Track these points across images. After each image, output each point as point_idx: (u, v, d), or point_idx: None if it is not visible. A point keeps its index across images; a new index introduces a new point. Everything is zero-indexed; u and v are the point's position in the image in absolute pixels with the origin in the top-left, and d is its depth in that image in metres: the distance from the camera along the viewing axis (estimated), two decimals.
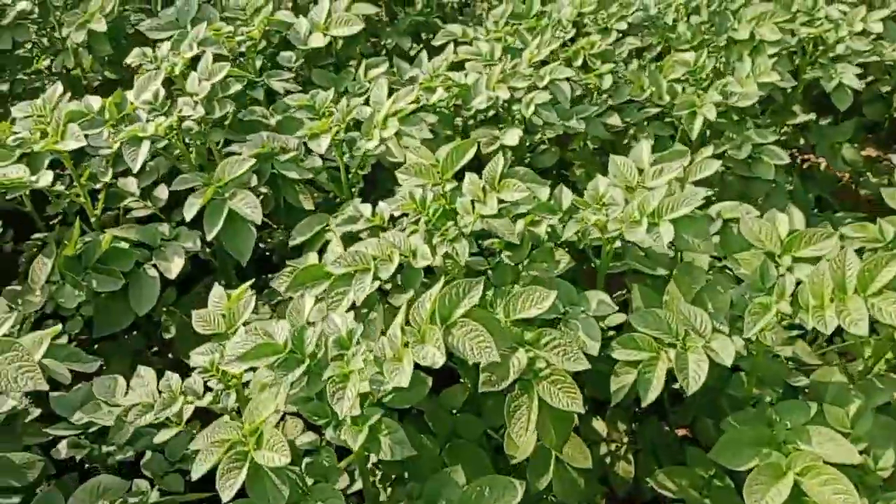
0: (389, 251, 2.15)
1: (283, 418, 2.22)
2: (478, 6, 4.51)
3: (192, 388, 1.96)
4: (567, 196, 2.39)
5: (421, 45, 4.38)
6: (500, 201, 2.17)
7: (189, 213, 2.55)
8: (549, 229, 2.47)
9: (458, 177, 2.37)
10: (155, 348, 3.21)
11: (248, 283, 2.20)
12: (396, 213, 2.33)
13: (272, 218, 3.25)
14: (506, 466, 2.29)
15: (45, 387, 1.69)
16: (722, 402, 2.46)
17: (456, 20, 4.35)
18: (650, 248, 2.66)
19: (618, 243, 2.42)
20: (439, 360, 1.73)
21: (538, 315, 2.04)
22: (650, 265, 2.52)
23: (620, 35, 3.57)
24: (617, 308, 2.24)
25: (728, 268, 2.67)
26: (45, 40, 3.91)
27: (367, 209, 2.49)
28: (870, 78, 4.02)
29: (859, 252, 2.30)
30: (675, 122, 3.31)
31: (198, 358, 2.01)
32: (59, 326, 2.15)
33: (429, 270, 2.30)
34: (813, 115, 4.10)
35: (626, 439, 2.70)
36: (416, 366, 1.77)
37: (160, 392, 1.94)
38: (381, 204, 2.49)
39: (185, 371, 2.74)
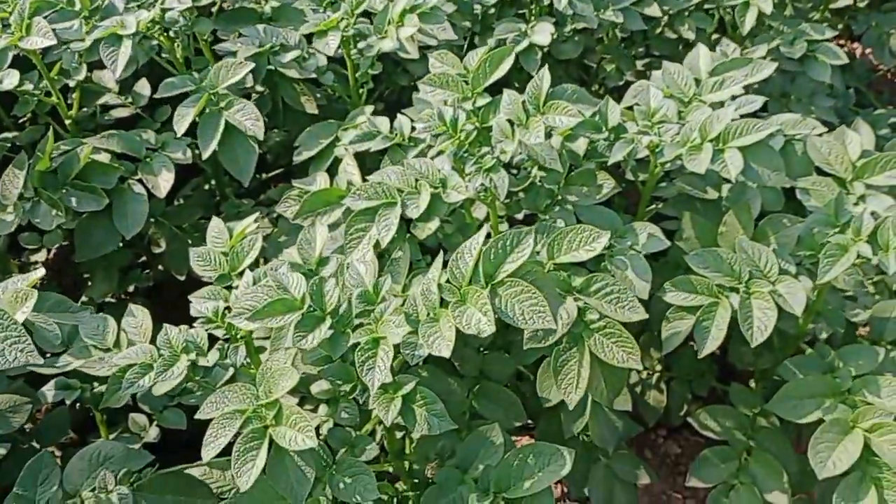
0: (416, 181, 1.87)
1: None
2: None
3: (195, 343, 1.72)
4: (615, 111, 2.08)
5: None
6: (547, 126, 1.87)
7: (180, 126, 2.23)
8: (588, 147, 2.20)
9: (491, 90, 2.06)
10: (143, 261, 2.95)
11: (252, 217, 1.93)
12: (421, 135, 2.02)
13: (269, 119, 2.91)
14: (537, 407, 2.12)
15: (39, 361, 1.45)
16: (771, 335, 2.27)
17: None
18: None
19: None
20: (486, 328, 1.50)
21: (587, 258, 1.80)
22: (700, 186, 2.27)
23: None
24: (669, 243, 2.00)
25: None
26: None
27: (383, 123, 2.19)
28: None
29: None
30: (720, 11, 2.96)
31: (200, 304, 1.76)
32: (42, 272, 1.87)
33: None
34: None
35: (658, 367, 2.53)
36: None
37: (159, 350, 1.70)
38: (401, 118, 2.18)
39: (180, 288, 2.53)
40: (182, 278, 2.65)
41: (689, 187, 2.23)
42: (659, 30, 3.10)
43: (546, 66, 1.98)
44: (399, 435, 1.91)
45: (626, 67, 3.05)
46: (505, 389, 2.08)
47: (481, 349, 2.17)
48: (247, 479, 1.43)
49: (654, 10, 2.85)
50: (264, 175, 3.16)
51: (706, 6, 3.03)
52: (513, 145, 1.87)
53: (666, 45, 3.10)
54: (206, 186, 3.03)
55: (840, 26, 3.72)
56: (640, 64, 3.21)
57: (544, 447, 1.65)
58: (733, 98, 2.23)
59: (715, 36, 3.14)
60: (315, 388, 1.84)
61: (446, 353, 1.49)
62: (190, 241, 2.64)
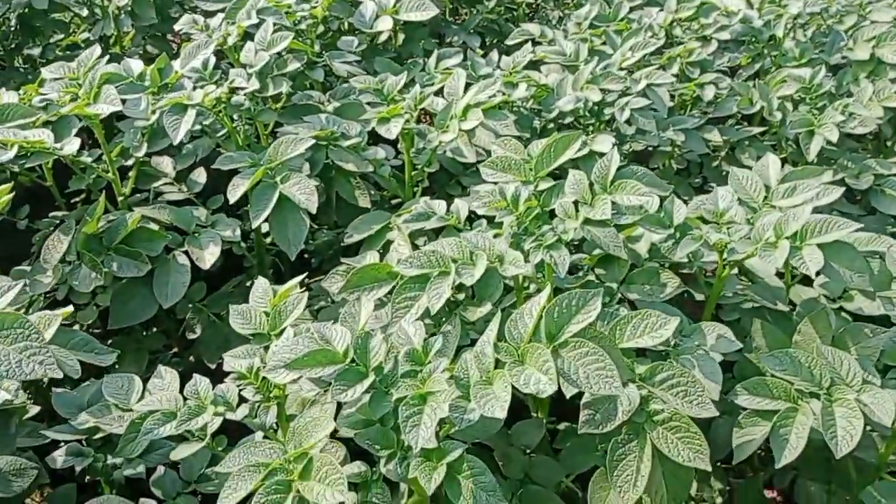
0: (472, 253, 1.78)
1: None
2: (549, 12, 4.18)
3: (224, 398, 1.58)
4: (681, 209, 2.00)
5: (488, 47, 4.07)
6: (614, 205, 1.79)
7: (234, 195, 2.19)
8: (651, 247, 2.11)
9: (553, 177, 2.01)
10: (174, 350, 2.84)
11: (299, 278, 1.83)
12: (480, 211, 1.95)
13: (315, 216, 2.89)
14: None
15: (58, 374, 1.32)
16: (846, 463, 2.05)
17: (526, 23, 4.01)
18: (762, 279, 2.29)
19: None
20: (547, 387, 1.35)
21: (653, 345, 1.66)
22: (769, 298, 2.13)
23: (719, 45, 3.22)
24: (740, 345, 1.85)
25: (844, 309, 2.30)
26: (84, 10, 3.60)
27: (440, 206, 2.13)
28: None
29: None
30: (781, 144, 2.94)
31: (233, 361, 1.63)
32: (71, 308, 1.78)
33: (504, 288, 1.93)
34: None
35: (719, 500, 2.29)
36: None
37: (185, 399, 1.56)
38: (457, 201, 2.13)
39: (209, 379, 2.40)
40: (213, 366, 2.54)
41: (760, 297, 2.11)
42: (716, 163, 3.08)
43: (615, 152, 1.92)
44: None
45: (683, 193, 3.00)
46: (552, 495, 1.87)
47: (527, 451, 1.97)
48: None
49: (714, 136, 2.85)
50: (307, 279, 3.10)
51: (766, 140, 3.02)
52: (576, 223, 1.79)
53: (722, 178, 3.06)
54: (249, 283, 2.96)
55: None
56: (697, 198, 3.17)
57: None
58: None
59: None
60: (347, 471, 1.68)
61: (500, 414, 1.33)
62: (226, 331, 2.55)
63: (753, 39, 3.27)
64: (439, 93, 2.64)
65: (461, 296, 1.94)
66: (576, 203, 1.86)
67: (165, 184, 2.73)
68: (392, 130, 2.30)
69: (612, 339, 1.68)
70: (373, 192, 2.72)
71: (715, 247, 1.96)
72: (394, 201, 2.83)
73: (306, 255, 3.13)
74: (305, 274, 1.91)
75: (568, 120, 2.92)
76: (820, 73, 2.84)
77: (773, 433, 1.67)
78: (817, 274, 1.79)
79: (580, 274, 2.16)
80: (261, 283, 1.86)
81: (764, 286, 2.25)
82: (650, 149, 3.05)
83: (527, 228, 1.86)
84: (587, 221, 1.81)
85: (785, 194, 2.06)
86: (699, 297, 2.29)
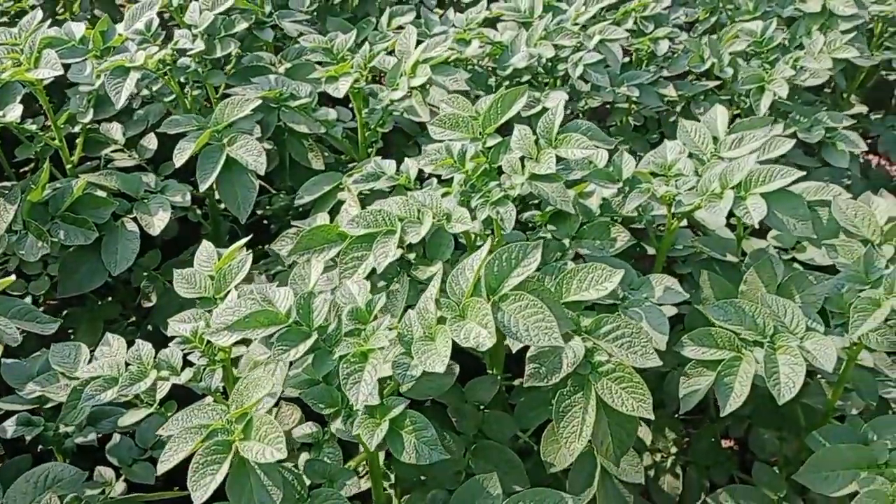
0: (419, 211, 1.77)
1: (277, 404, 1.84)
2: None
3: (168, 362, 1.57)
4: (629, 163, 2.01)
5: (447, 4, 4.01)
6: (559, 159, 1.79)
7: (179, 158, 2.16)
8: (602, 202, 2.11)
9: (501, 133, 2.00)
10: (132, 319, 2.81)
11: (243, 240, 1.81)
12: (427, 169, 1.94)
13: (273, 180, 2.86)
14: (539, 475, 1.92)
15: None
16: (795, 410, 2.09)
17: None
18: (714, 232, 2.31)
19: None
20: (486, 340, 1.35)
21: (598, 298, 1.67)
22: (722, 247, 2.15)
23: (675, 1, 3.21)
24: (687, 295, 1.86)
25: (797, 260, 2.33)
26: None
27: (389, 165, 2.11)
28: None
29: None
30: (735, 99, 2.94)
31: (178, 326, 1.62)
32: (13, 278, 1.75)
33: (456, 245, 1.93)
34: (865, 109, 3.76)
35: (673, 450, 2.33)
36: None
37: (128, 365, 1.55)
38: (408, 161, 2.11)
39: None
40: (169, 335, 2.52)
41: (709, 248, 2.12)
42: (673, 118, 3.08)
43: (560, 106, 1.91)
44: (387, 486, 1.72)
45: (640, 149, 3.01)
46: (505, 449, 1.89)
47: (482, 408, 1.99)
48: (203, 492, 1.25)
49: (670, 91, 2.84)
50: (266, 246, 3.07)
51: (721, 94, 3.02)
52: (522, 178, 1.78)
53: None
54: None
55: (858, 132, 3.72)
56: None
57: (546, 494, 1.46)
58: None
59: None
60: (297, 433, 1.69)
61: (440, 369, 1.33)
62: (181, 300, 2.52)
63: None
64: (391, 52, 2.61)
65: (412, 255, 1.94)
66: (522, 159, 1.85)
67: (115, 150, 2.68)
68: (340, 88, 2.27)
69: (559, 293, 1.69)
70: (327, 155, 2.70)
71: (663, 199, 1.97)
72: (351, 165, 2.81)
73: (265, 221, 3.11)
74: (250, 236, 1.88)
75: (525, 77, 2.90)
76: (770, 26, 2.84)
77: (717, 382, 1.70)
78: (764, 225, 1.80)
79: (533, 231, 2.18)
80: (205, 247, 1.84)
81: (715, 238, 2.27)
82: (608, 106, 3.05)
83: (475, 185, 1.86)
84: (533, 176, 1.80)
85: (732, 145, 2.07)
86: (652, 251, 2.32)
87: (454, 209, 1.81)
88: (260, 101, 2.22)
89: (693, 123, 2.14)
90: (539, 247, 1.49)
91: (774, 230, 2.17)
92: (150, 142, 2.68)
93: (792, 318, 1.74)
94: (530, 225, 2.20)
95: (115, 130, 2.68)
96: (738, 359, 1.71)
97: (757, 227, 1.97)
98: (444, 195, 1.93)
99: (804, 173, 1.85)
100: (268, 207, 2.94)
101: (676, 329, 2.16)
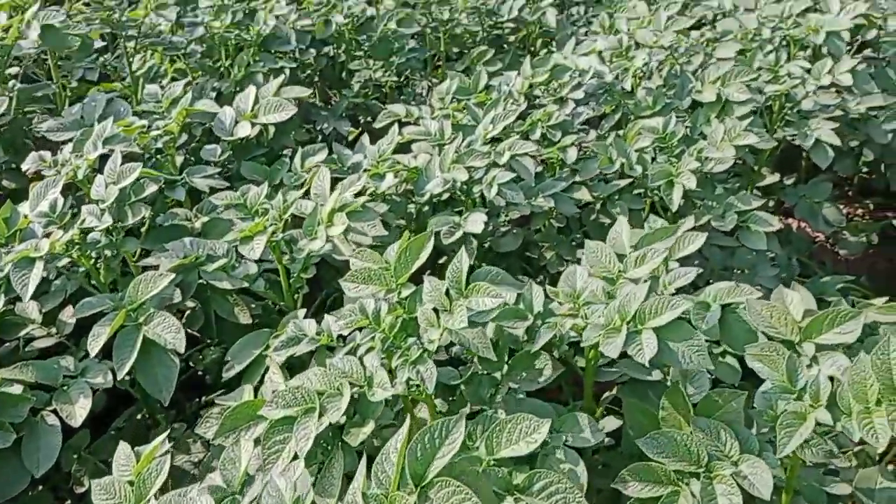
0: (338, 382, 1.75)
1: None
2: (417, 85, 4.23)
3: None
4: (539, 296, 2.02)
5: (360, 129, 4.08)
6: (470, 310, 1.79)
7: (95, 345, 2.11)
8: (525, 333, 2.11)
9: (416, 278, 2.00)
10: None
11: (163, 436, 1.76)
12: (344, 332, 1.92)
13: (203, 334, 2.81)
14: None
15: None
16: None
17: (396, 101, 4.05)
18: None
19: None
20: None
21: (529, 451, 1.65)
22: (643, 368, 2.16)
23: (576, 103, 3.31)
24: (604, 436, 1.86)
25: (730, 353, 2.35)
26: None
27: (310, 326, 2.09)
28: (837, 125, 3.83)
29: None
30: (648, 193, 3.01)
31: None
32: None
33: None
34: (777, 176, 3.89)
35: None
36: None
37: None
38: (328, 318, 2.09)
39: None
40: None
41: (632, 371, 2.12)
42: (593, 216, 3.14)
43: (467, 250, 1.93)
44: None
45: (565, 253, 3.05)
46: None
47: None
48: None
49: (584, 195, 2.90)
50: (203, 398, 3.00)
51: (635, 190, 3.09)
52: (437, 332, 1.77)
53: (601, 230, 3.10)
54: (140, 416, 2.85)
55: (772, 203, 3.83)
56: (579, 252, 3.21)
57: None
58: (668, 271, 2.20)
59: (649, 216, 3.18)
60: None
61: None
62: None
63: (609, 92, 3.37)
64: (307, 193, 2.62)
65: (344, 417, 1.90)
66: (436, 310, 1.85)
67: (34, 329, 2.61)
68: (255, 249, 2.25)
69: (490, 448, 1.67)
70: (255, 305, 2.67)
71: (574, 330, 1.97)
72: (279, 308, 2.79)
73: (200, 373, 3.04)
74: (167, 432, 1.83)
75: (445, 197, 2.94)
76: (671, 121, 2.94)
77: None
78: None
79: (464, 364, 2.16)
80: (122, 450, 1.77)
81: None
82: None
83: (394, 344, 1.84)
84: (448, 330, 1.80)
85: (637, 263, 2.09)
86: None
87: (376, 372, 1.78)
88: (172, 276, 2.18)
89: (597, 244, 2.17)
90: (462, 420, 1.46)
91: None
92: (69, 315, 2.61)
93: (725, 440, 1.74)
94: (462, 360, 2.20)
95: (32, 309, 2.60)
96: (675, 493, 1.70)
97: None
98: (367, 351, 1.91)
99: (691, 303, 1.86)
100: (200, 360, 2.89)
101: (616, 450, 2.17)
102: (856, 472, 2.04)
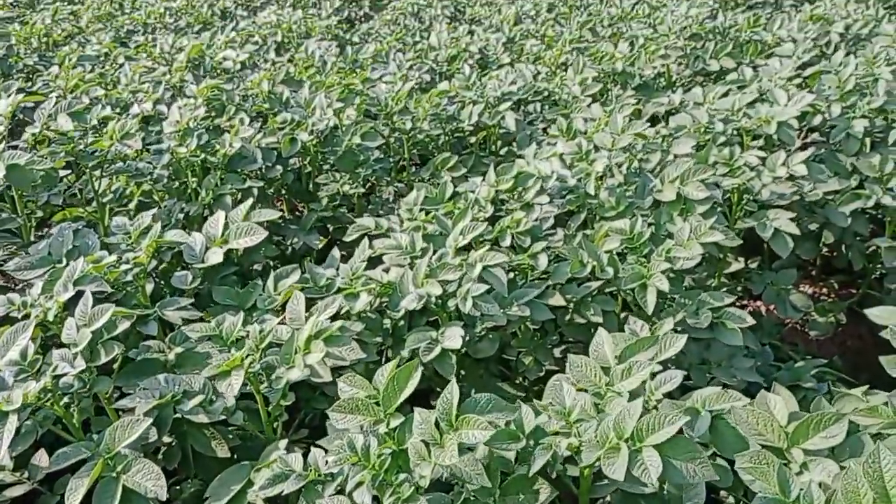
0: None
1: None
2: (384, 191, 4.29)
3: None
4: (529, 417, 2.01)
5: (329, 237, 4.10)
6: (461, 443, 1.77)
7: (73, 499, 2.02)
8: (519, 450, 2.09)
9: (404, 406, 1.98)
10: None
11: None
12: (333, 469, 1.88)
13: (178, 471, 2.72)
14: None
15: None
16: None
17: (364, 209, 4.09)
18: None
19: None
20: None
21: None
22: (639, 482, 2.14)
23: (542, 208, 3.37)
24: None
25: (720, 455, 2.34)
26: None
27: (296, 461, 2.04)
28: (797, 220, 3.95)
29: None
30: (622, 294, 3.05)
31: None
32: None
33: None
34: (742, 261, 3.98)
35: None
36: None
37: None
38: (315, 452, 2.05)
39: None
40: None
41: (627, 483, 2.10)
42: (568, 316, 3.16)
43: (454, 374, 1.92)
44: None
45: (542, 358, 3.06)
46: None
47: None
48: None
49: (558, 301, 2.92)
50: None
51: (608, 289, 3.13)
52: (429, 468, 1.75)
53: (578, 330, 3.13)
54: None
55: (739, 288, 3.91)
56: (557, 351, 3.22)
57: None
58: (653, 377, 2.21)
59: (624, 314, 3.22)
60: None
61: None
62: None
63: (573, 192, 3.44)
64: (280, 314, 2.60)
65: None
66: (426, 443, 1.83)
67: (5, 475, 2.52)
68: (234, 386, 2.22)
69: None
70: (232, 437, 2.61)
71: (569, 450, 1.96)
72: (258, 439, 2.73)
73: None
74: None
75: (419, 308, 2.94)
76: (637, 222, 3.01)
77: None
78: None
79: (457, 491, 2.12)
80: None
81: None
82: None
83: (385, 479, 1.81)
84: (441, 466, 1.77)
85: (623, 376, 2.11)
86: None
87: None
88: (150, 421, 2.13)
89: (581, 358, 2.18)
90: None
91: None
92: (42, 459, 2.53)
93: None
94: (453, 484, 2.15)
95: (2, 455, 2.51)
96: None
97: None
98: (356, 486, 1.87)
99: (688, 418, 1.88)
100: (180, 495, 2.79)
101: None
102: None
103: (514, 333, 3.20)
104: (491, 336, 3.14)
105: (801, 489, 1.76)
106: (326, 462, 2.00)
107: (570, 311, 3.14)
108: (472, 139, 4.78)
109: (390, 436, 1.91)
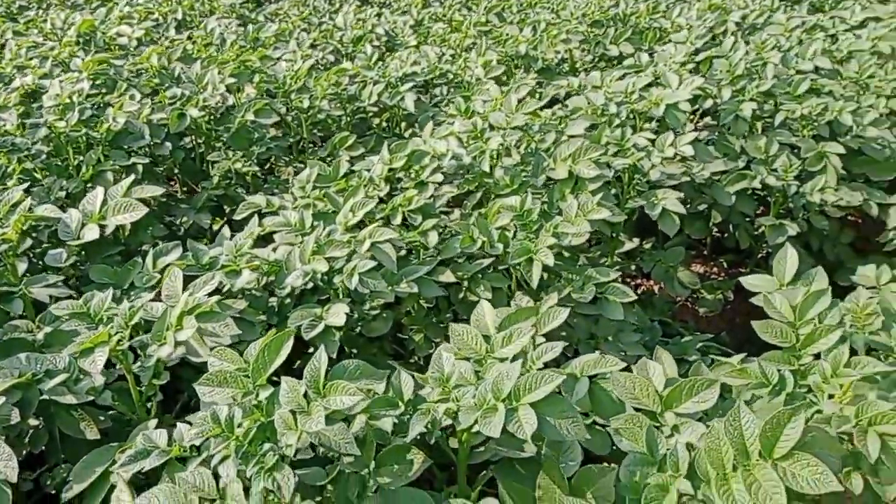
0: (188, 499, 1.63)
1: None
2: (283, 172, 4.19)
3: None
4: (408, 384, 1.99)
5: (224, 220, 3.98)
6: (328, 409, 1.73)
7: None
8: (396, 420, 2.06)
9: (276, 379, 1.92)
10: None
11: None
12: (196, 442, 1.81)
13: (46, 457, 2.59)
14: None
15: None
16: None
17: (261, 189, 3.99)
18: None
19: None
20: None
21: None
22: (517, 445, 2.14)
23: (437, 185, 3.36)
24: None
25: (598, 423, 2.37)
26: None
27: (161, 437, 1.96)
28: (686, 200, 4.04)
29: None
30: (512, 270, 3.06)
31: None
32: None
33: None
34: (636, 240, 4.05)
35: None
36: None
37: None
38: (180, 426, 1.97)
39: None
40: None
41: (504, 448, 2.10)
42: (462, 294, 3.15)
43: (329, 343, 1.87)
44: None
45: (433, 335, 3.03)
46: None
47: None
48: None
49: (448, 277, 2.91)
50: None
51: (501, 267, 3.13)
52: (295, 436, 1.70)
53: (471, 307, 3.09)
54: None
55: (634, 268, 3.98)
56: (449, 332, 3.20)
57: None
58: (535, 347, 2.22)
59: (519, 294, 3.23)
60: None
61: None
62: None
63: (469, 172, 3.43)
64: (158, 296, 2.50)
65: None
66: (293, 412, 1.77)
67: None
68: (97, 362, 2.12)
69: None
70: (104, 418, 2.49)
71: (447, 415, 1.95)
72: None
73: (54, 491, 2.79)
74: None
75: (309, 286, 2.88)
76: (528, 199, 3.01)
77: None
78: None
79: (331, 463, 2.08)
80: None
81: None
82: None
83: (247, 452, 1.75)
84: (307, 433, 1.72)
85: (504, 343, 2.11)
86: None
87: (230, 484, 1.68)
88: (3, 399, 2.01)
89: (463, 327, 2.17)
90: None
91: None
92: None
93: None
94: (329, 457, 2.11)
95: None
96: None
97: None
98: (222, 460, 1.81)
99: (563, 378, 1.88)
100: (50, 480, 2.65)
101: None
102: None
103: (408, 312, 3.17)
104: (385, 315, 3.11)
105: (668, 449, 1.79)
106: (192, 437, 1.93)
107: (465, 288, 3.14)
108: (377, 121, 4.73)
109: (259, 407, 1.85)
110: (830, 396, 1.91)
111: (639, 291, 4.37)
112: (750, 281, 2.40)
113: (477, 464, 2.17)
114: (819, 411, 1.88)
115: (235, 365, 1.96)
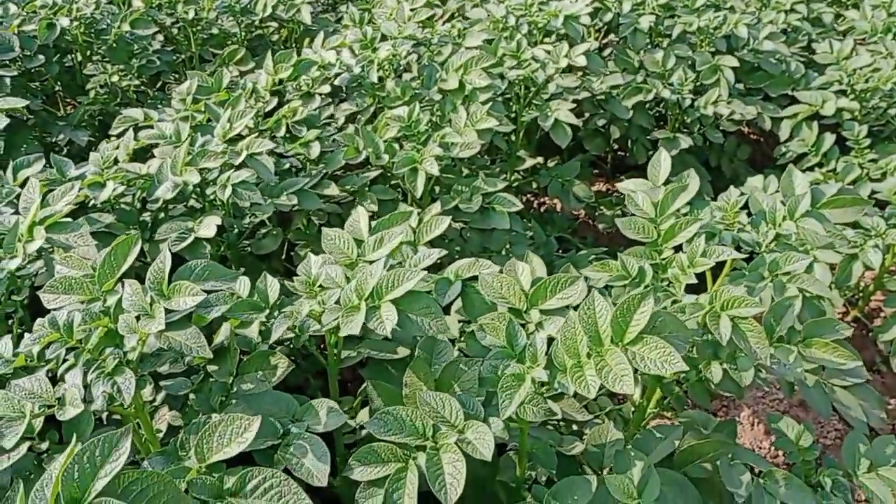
0: (21, 405, 1.55)
1: None
2: (172, 89, 3.99)
3: None
4: (274, 287, 1.92)
5: (109, 139, 3.79)
6: (170, 311, 1.65)
7: None
8: (262, 328, 2.01)
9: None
10: None
11: None
12: (34, 350, 1.72)
13: None
14: None
15: None
16: (496, 490, 2.08)
17: (143, 105, 3.79)
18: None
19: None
20: None
21: (243, 450, 1.54)
22: (390, 347, 2.11)
23: (329, 100, 3.25)
24: (347, 417, 1.79)
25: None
26: None
27: (6, 347, 1.86)
28: (586, 115, 4.03)
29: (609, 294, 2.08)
30: (401, 183, 2.99)
31: None
32: None
33: None
34: (540, 159, 4.03)
35: None
36: None
37: None
38: (27, 337, 1.87)
39: None
40: None
41: (377, 351, 2.08)
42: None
43: (198, 254, 1.79)
44: None
45: (318, 249, 2.96)
46: None
47: None
48: None
49: (332, 191, 2.83)
50: None
51: (393, 182, 3.07)
52: (136, 338, 1.62)
53: None
54: None
55: (535, 186, 3.96)
56: None
57: None
58: (416, 253, 2.18)
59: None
60: None
61: None
62: None
63: (361, 86, 3.32)
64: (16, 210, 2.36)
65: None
66: (138, 317, 1.69)
67: None
68: None
69: (200, 455, 1.54)
70: None
71: (312, 317, 1.90)
72: None
73: None
74: None
75: (190, 203, 2.76)
76: (415, 109, 2.93)
77: (386, 500, 1.62)
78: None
79: (196, 373, 2.02)
80: None
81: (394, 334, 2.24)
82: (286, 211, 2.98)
83: (91, 356, 1.66)
84: (152, 334, 1.65)
85: (375, 247, 2.06)
86: None
87: (68, 389, 1.60)
88: None
89: (336, 231, 2.11)
90: (127, 434, 1.32)
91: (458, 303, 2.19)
92: None
93: (450, 411, 1.71)
94: (193, 368, 2.05)
95: None
96: (403, 469, 1.65)
97: None
98: (69, 368, 1.72)
99: (423, 274, 1.85)
100: None
101: None
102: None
103: (298, 229, 3.09)
104: (275, 232, 3.03)
105: (528, 341, 1.78)
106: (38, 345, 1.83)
107: (355, 203, 3.06)
108: (275, 38, 4.54)
109: (105, 313, 1.75)
110: (689, 287, 1.93)
111: (542, 210, 4.37)
112: (624, 185, 2.39)
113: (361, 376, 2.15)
114: (676, 301, 1.90)
115: (84, 272, 1.86)
